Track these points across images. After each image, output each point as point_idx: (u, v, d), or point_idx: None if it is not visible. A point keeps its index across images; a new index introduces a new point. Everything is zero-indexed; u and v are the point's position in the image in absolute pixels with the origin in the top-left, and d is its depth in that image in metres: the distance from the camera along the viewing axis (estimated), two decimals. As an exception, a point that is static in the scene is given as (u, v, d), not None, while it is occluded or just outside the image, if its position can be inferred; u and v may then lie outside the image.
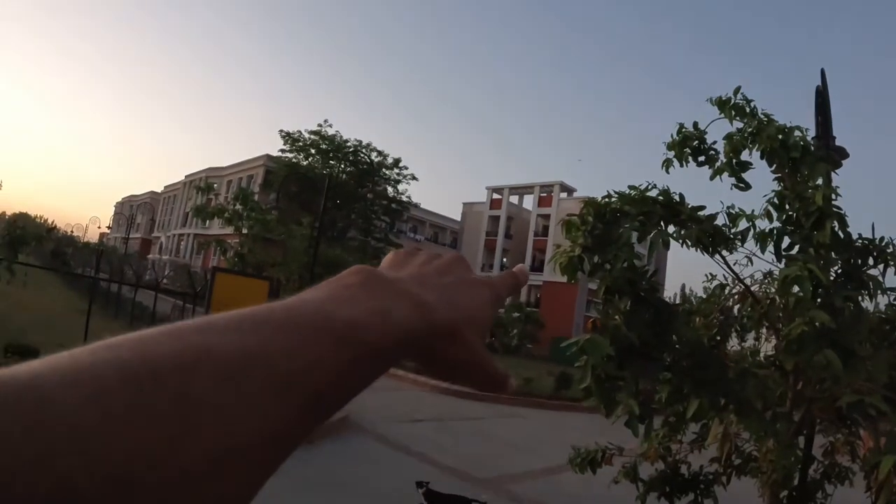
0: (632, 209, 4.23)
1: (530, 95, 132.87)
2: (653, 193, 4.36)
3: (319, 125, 59.62)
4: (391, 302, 0.47)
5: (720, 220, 4.41)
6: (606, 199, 4.26)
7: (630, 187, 4.39)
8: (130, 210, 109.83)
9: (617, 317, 3.78)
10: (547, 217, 68.64)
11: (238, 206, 34.51)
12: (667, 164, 4.89)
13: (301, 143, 59.56)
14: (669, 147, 4.93)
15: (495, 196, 76.12)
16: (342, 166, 59.46)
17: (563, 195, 69.08)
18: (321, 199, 20.20)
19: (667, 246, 4.11)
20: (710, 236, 4.35)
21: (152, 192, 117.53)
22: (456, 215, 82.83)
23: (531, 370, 25.05)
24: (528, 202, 74.34)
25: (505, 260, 72.77)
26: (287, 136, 59.77)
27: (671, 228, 4.33)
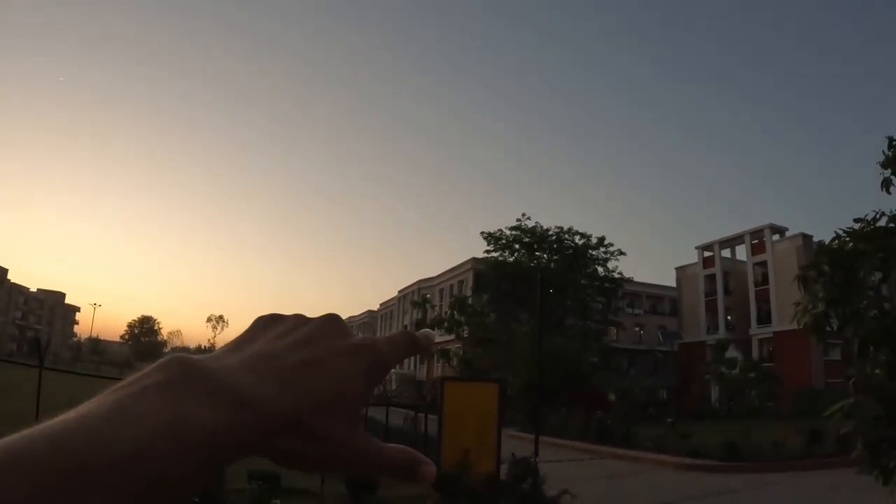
0: (867, 247, 3.80)
1: (715, 134, 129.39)
2: (882, 222, 3.93)
3: (518, 220, 60.80)
4: (198, 406, 0.39)
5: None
6: (838, 241, 3.86)
7: (855, 220, 3.98)
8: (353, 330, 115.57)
9: (878, 370, 3.35)
10: (764, 264, 65.00)
11: (455, 314, 35.20)
12: (886, 183, 4.36)
13: (504, 241, 60.55)
14: (885, 165, 4.43)
15: (706, 254, 73.33)
16: (548, 256, 59.71)
17: (776, 237, 65.26)
18: (535, 293, 20.18)
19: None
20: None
21: (370, 311, 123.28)
22: (670, 281, 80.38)
23: (776, 431, 23.36)
24: (741, 252, 70.89)
25: (729, 318, 69.27)
26: (489, 237, 61.03)
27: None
